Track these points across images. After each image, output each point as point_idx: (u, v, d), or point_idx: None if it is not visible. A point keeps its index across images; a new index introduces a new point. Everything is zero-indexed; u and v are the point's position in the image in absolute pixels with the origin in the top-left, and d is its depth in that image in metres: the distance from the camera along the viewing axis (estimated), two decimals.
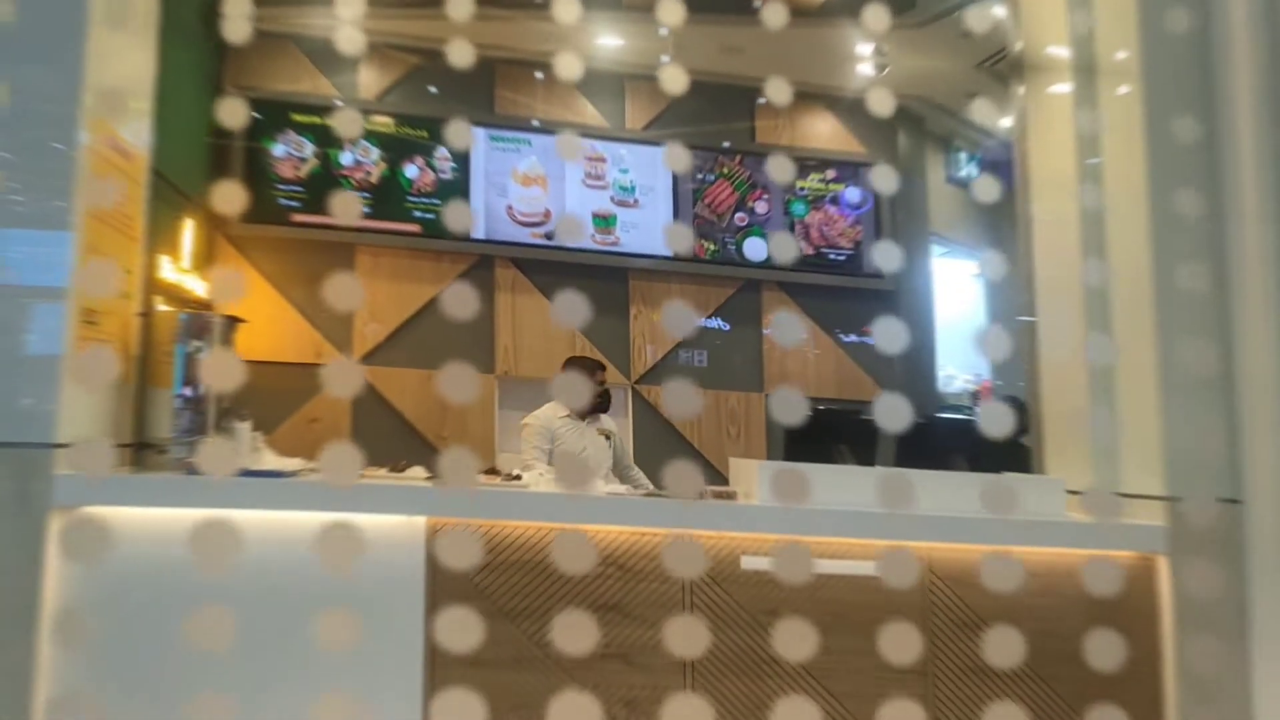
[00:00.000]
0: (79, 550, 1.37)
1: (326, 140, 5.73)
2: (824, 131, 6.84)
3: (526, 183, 6.11)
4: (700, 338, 6.22)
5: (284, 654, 1.37)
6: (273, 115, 5.71)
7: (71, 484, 2.85)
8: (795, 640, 1.61)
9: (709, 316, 6.29)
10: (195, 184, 5.23)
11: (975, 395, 6.28)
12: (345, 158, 5.80)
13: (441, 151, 5.94)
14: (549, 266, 5.86)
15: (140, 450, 3.54)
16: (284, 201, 5.66)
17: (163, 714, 1.40)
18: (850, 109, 6.74)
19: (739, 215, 6.48)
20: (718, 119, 6.50)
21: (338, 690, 1.43)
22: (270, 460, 3.23)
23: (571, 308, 1.53)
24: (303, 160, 5.72)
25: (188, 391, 3.67)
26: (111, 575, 1.43)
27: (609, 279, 5.99)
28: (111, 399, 3.47)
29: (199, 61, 5.23)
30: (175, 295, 4.57)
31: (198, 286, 4.88)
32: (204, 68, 5.38)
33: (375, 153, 5.85)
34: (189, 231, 4.85)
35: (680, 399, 1.76)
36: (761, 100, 6.55)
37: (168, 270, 4.43)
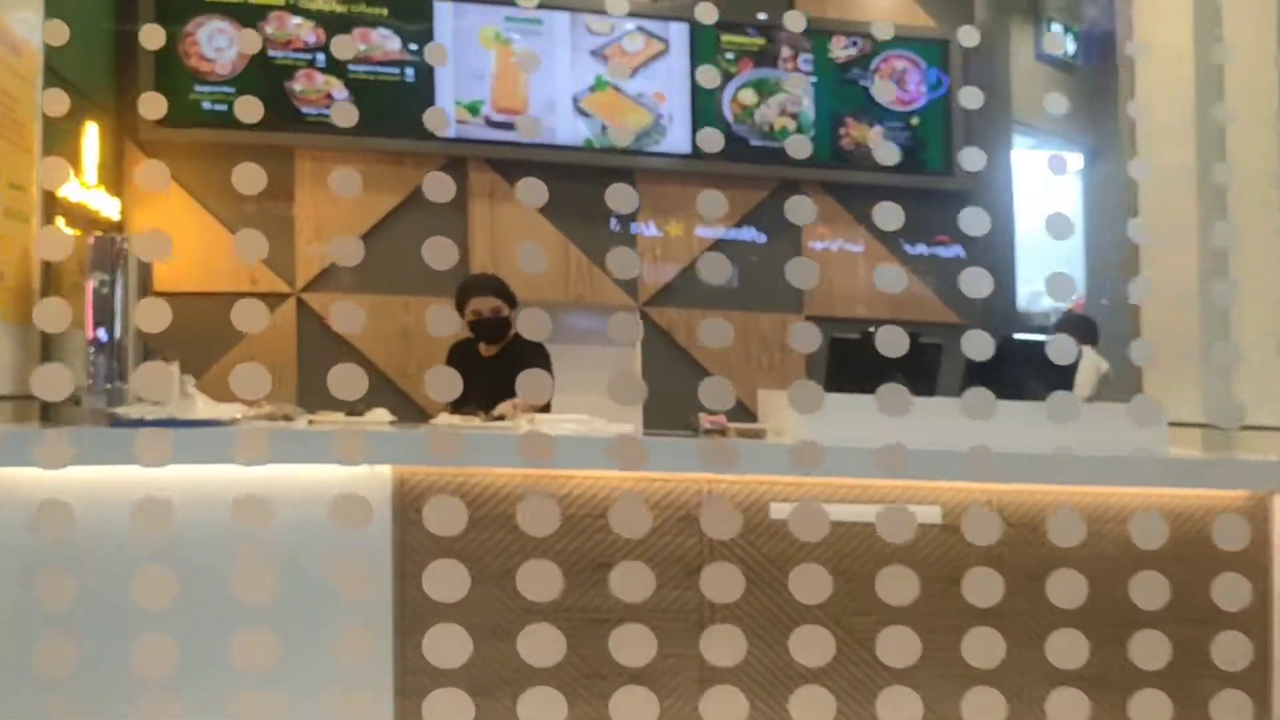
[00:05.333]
0: None
1: (255, 24, 5.77)
2: (882, 1, 6.81)
3: (506, 69, 6.15)
4: (729, 251, 6.29)
5: (224, 624, 1.50)
6: None
7: None
8: (820, 593, 1.71)
9: (737, 225, 6.35)
10: (97, 82, 5.30)
11: (1067, 315, 6.34)
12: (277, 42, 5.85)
13: (401, 33, 5.98)
14: (536, 169, 5.89)
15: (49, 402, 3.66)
16: (208, 105, 5.72)
17: (104, 675, 1.55)
18: None
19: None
20: None
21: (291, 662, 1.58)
22: (203, 408, 3.36)
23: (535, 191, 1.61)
24: (228, 50, 5.77)
25: (101, 334, 3.78)
26: (37, 544, 1.56)
27: (611, 182, 5.96)
28: (14, 344, 3.57)
29: None
30: (80, 215, 4.68)
31: (106, 205, 4.99)
32: None
33: (318, 36, 5.88)
34: (92, 139, 4.94)
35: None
36: None
37: (70, 186, 4.53)
